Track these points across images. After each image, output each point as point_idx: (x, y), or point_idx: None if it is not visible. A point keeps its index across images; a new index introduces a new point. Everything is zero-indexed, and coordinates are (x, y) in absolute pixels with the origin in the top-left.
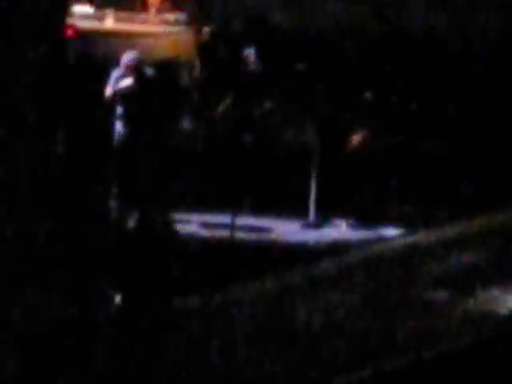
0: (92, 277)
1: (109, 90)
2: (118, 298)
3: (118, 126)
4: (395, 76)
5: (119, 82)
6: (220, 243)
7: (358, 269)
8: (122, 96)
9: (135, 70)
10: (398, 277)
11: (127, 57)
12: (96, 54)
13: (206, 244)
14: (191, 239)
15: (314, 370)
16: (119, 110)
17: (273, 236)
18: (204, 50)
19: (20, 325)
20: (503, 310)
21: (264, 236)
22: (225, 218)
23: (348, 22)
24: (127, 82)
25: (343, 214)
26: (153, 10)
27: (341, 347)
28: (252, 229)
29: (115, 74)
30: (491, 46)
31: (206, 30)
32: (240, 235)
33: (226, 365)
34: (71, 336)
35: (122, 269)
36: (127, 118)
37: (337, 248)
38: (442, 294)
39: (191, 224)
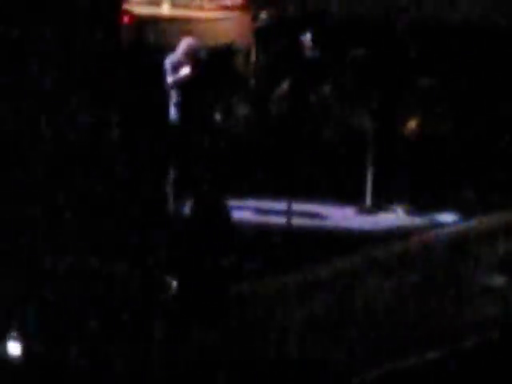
0: (150, 263)
1: (168, 79)
2: (174, 284)
3: (173, 113)
4: (452, 63)
5: (178, 69)
6: (276, 229)
7: (414, 255)
8: (180, 84)
9: (193, 56)
10: (456, 262)
11: (185, 43)
12: (152, 40)
13: (261, 230)
14: (246, 225)
15: (372, 354)
16: (175, 96)
17: (329, 222)
18: (260, 35)
19: None
20: None
21: (320, 222)
22: (280, 204)
23: (407, 7)
24: (186, 70)
25: (399, 199)
26: None
27: (399, 332)
28: (308, 215)
29: (171, 60)
30: None
31: (263, 15)
32: (296, 221)
33: (279, 349)
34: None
35: (179, 255)
36: (183, 105)
37: (393, 234)
38: (499, 280)
39: (246, 210)
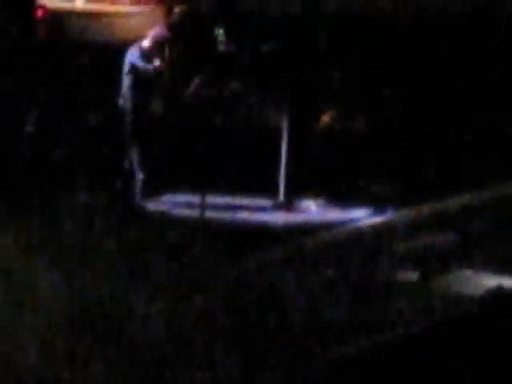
0: None
1: (141, 66)
2: None
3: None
4: (364, 57)
5: (148, 58)
6: (190, 222)
7: (326, 249)
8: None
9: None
10: (368, 258)
11: (156, 32)
12: (67, 35)
13: (176, 223)
14: (163, 218)
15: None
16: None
17: (243, 216)
18: (174, 29)
19: None
20: (473, 290)
21: (234, 215)
22: (195, 198)
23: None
24: (157, 62)
25: (313, 194)
26: None
27: (310, 329)
28: (223, 208)
29: (138, 49)
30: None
31: (177, 9)
32: (211, 214)
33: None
34: None
35: None
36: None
37: (306, 228)
38: (411, 275)
39: (163, 203)
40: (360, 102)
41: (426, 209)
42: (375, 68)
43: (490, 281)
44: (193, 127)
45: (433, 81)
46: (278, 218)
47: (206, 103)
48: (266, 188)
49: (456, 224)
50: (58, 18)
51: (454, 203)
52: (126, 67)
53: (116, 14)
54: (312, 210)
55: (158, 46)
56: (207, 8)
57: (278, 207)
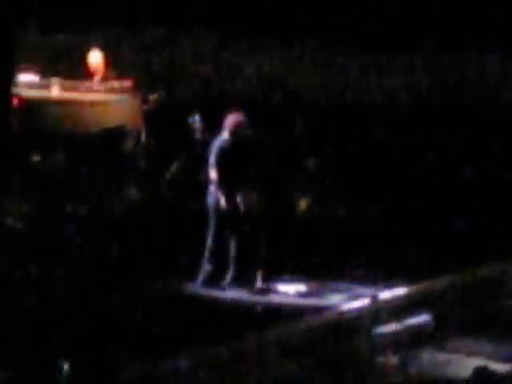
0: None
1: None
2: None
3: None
4: (339, 143)
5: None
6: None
7: (304, 334)
8: None
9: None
10: (346, 342)
11: (234, 120)
12: (43, 123)
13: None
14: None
15: None
16: None
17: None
18: (150, 117)
19: None
20: (449, 373)
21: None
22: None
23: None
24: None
25: (289, 280)
26: (98, 78)
27: None
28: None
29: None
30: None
31: (152, 97)
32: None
33: None
34: None
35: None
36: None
37: (282, 314)
38: (389, 359)
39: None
40: (335, 189)
41: (403, 291)
42: (349, 156)
43: (466, 363)
44: (169, 214)
45: (406, 169)
46: (258, 301)
47: (182, 190)
48: (244, 272)
49: (432, 306)
50: (34, 106)
51: (430, 285)
52: (213, 160)
53: (92, 103)
54: (291, 294)
55: (240, 135)
56: (183, 95)
57: (255, 292)
